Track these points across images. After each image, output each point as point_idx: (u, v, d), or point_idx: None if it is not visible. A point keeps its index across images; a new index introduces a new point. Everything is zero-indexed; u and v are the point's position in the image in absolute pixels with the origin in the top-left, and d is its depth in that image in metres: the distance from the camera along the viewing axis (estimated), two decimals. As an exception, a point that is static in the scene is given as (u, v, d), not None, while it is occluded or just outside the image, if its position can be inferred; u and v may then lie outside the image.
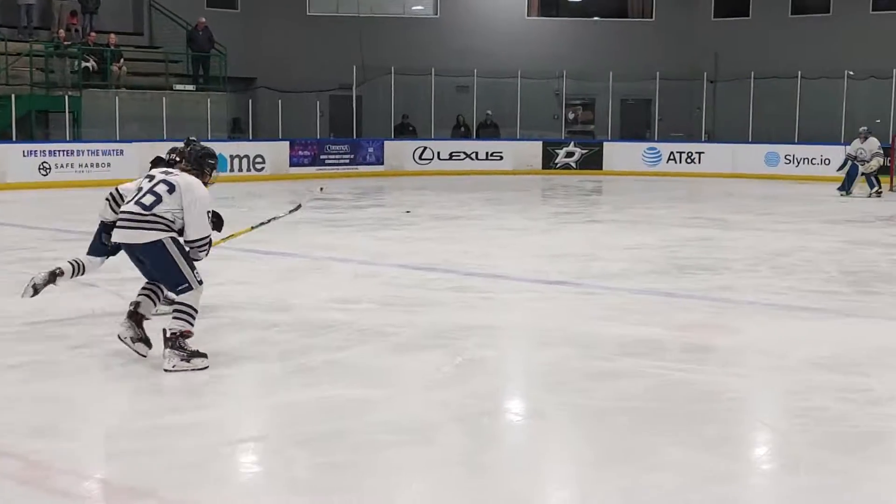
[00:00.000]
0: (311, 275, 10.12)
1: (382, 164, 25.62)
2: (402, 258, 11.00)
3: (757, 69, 26.75)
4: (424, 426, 5.15)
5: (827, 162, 24.28)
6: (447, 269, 10.24)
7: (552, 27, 29.28)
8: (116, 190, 7.56)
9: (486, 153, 26.64)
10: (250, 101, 25.28)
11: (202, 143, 7.10)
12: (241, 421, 5.36)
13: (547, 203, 19.87)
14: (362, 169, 25.14)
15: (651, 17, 29.43)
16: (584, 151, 26.91)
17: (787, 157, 25.49)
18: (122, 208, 6.38)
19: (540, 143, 27.11)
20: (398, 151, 25.97)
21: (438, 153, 26.09)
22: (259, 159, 23.67)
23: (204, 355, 6.11)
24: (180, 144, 7.18)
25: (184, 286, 6.10)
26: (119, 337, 6.23)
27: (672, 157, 26.28)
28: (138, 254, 6.20)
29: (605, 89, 28.06)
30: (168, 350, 6.04)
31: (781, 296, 8.89)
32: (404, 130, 27.13)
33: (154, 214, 6.10)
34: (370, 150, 25.47)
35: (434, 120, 27.44)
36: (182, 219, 6.17)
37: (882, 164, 20.23)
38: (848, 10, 27.20)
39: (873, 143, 20.06)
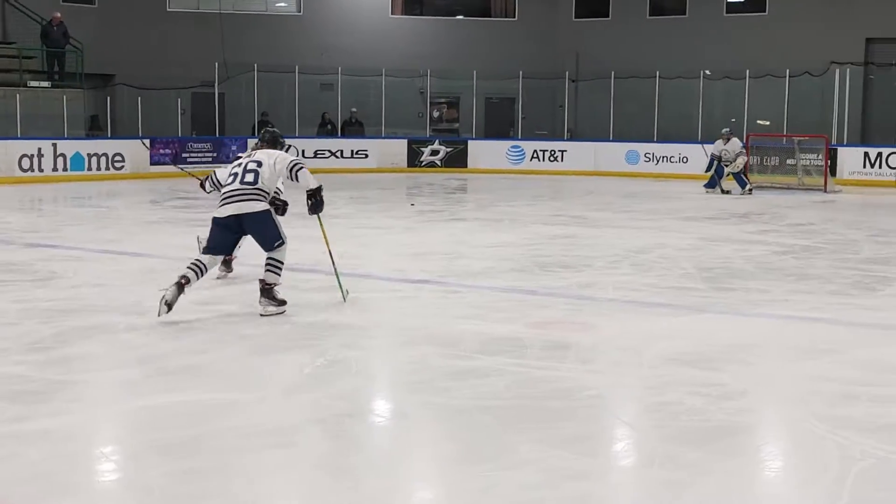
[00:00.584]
0: (171, 276, 9.88)
1: (246, 162, 25.25)
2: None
3: (617, 69, 27.29)
4: (286, 429, 5.09)
5: (685, 160, 24.94)
6: (311, 269, 10.17)
7: (416, 25, 29.36)
8: (214, 174, 8.89)
9: (351, 151, 26.58)
10: (108, 98, 24.70)
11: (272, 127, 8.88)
12: (96, 428, 5.23)
13: (412, 201, 19.88)
14: (225, 167, 24.71)
15: (514, 17, 29.74)
16: (448, 149, 27.06)
17: (647, 155, 26.06)
18: (230, 187, 7.89)
19: (405, 142, 27.16)
20: (262, 150, 25.62)
21: (303, 151, 25.86)
22: (118, 158, 23.15)
23: (285, 302, 7.85)
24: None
25: (279, 242, 7.95)
26: (165, 301, 7.31)
27: (535, 155, 26.63)
28: (246, 221, 7.83)
29: (469, 88, 28.26)
30: (263, 299, 7.77)
31: (640, 292, 9.07)
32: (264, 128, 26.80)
33: (257, 188, 7.80)
34: (233, 148, 25.09)
35: (298, 118, 27.23)
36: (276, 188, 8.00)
37: (746, 162, 20.81)
38: (703, 12, 27.94)
39: (736, 144, 20.65)
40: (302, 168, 8.00)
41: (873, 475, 4.53)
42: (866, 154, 23.67)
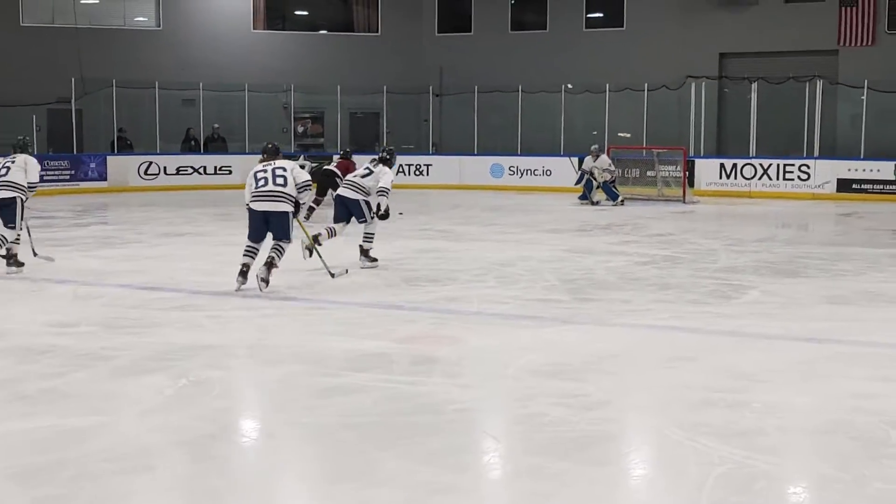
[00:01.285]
0: (27, 297, 9.65)
1: (106, 179, 24.73)
2: (126, 277, 10.67)
3: (480, 83, 27.54)
4: (145, 452, 4.99)
5: (549, 173, 25.30)
6: (173, 288, 10.01)
7: (279, 40, 29.14)
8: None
9: (215, 167, 26.21)
10: (-42, 115, 23.89)
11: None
12: (-54, 458, 5.03)
13: (400, 210, 19.70)
14: (84, 185, 24.16)
15: (377, 32, 29.76)
16: (314, 165, 26.86)
17: (511, 168, 26.33)
18: (265, 188, 9.79)
19: (270, 157, 26.87)
20: (122, 167, 25.13)
21: (165, 168, 25.45)
22: (-29, 176, 22.37)
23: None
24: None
25: (288, 239, 9.83)
26: (258, 277, 9.50)
27: (401, 169, 26.60)
28: (272, 218, 9.74)
29: (333, 102, 28.17)
30: (264, 269, 9.58)
31: (505, 305, 9.15)
32: (122, 145, 26.26)
33: (286, 192, 9.75)
34: (92, 165, 24.55)
35: (159, 134, 26.76)
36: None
37: (614, 176, 21.21)
38: (563, 27, 28.37)
39: (604, 161, 21.04)
40: (307, 189, 9.92)
41: (730, 480, 4.64)
42: (722, 165, 24.35)
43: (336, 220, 11.42)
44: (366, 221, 11.28)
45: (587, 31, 28.41)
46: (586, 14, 28.47)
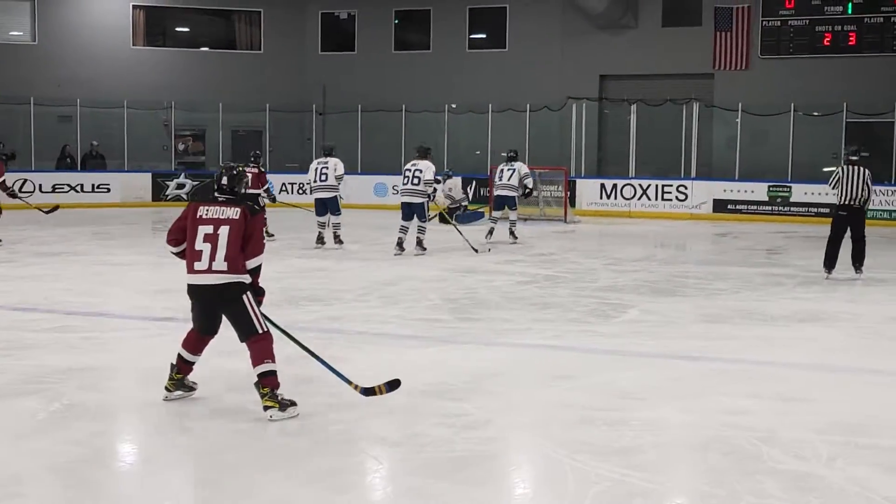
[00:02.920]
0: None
1: (-24, 197, 24.02)
2: (-2, 298, 10.38)
3: (364, 102, 27.54)
4: (15, 479, 4.86)
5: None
6: (47, 309, 9.77)
7: (159, 56, 28.71)
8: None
9: (93, 185, 25.66)
10: None
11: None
12: None
13: (157, 236, 19.39)
14: (-46, 203, 23.42)
15: (260, 50, 29.52)
16: (195, 183, 26.55)
17: (395, 187, 26.29)
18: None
19: (149, 175, 26.47)
20: (-5, 184, 24.43)
21: (40, 185, 24.80)
22: None
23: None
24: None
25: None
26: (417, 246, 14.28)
27: (284, 188, 26.45)
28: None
29: (214, 120, 27.84)
30: (417, 247, 14.88)
31: (388, 325, 9.15)
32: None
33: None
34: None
35: (34, 151, 26.11)
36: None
37: (454, 204, 21.53)
38: (446, 47, 28.52)
39: (453, 183, 21.43)
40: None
41: (608, 497, 4.71)
42: (602, 185, 24.74)
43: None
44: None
45: (470, 51, 28.62)
46: (469, 35, 28.68)
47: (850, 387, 7.18)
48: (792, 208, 22.87)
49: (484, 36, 28.78)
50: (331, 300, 10.50)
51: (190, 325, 6.33)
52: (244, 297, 6.18)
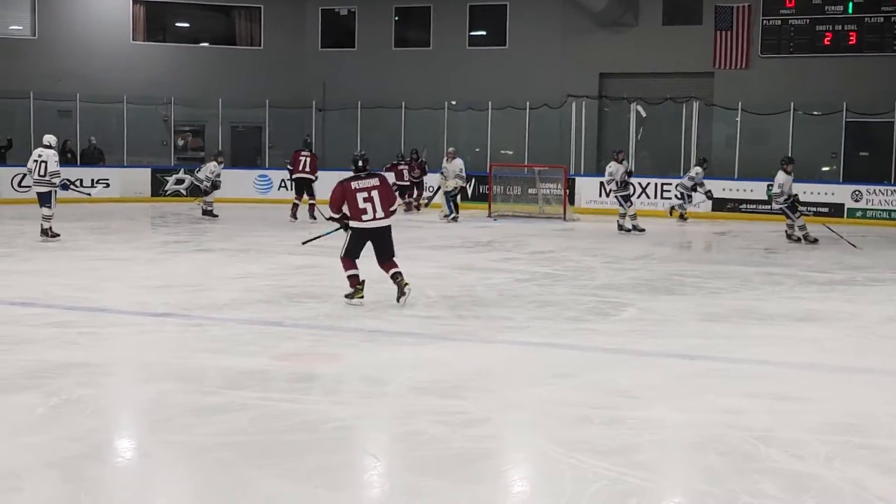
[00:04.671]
0: None
1: (-24, 192, 24.04)
2: (-4, 293, 10.37)
3: (364, 98, 27.53)
4: (13, 474, 4.85)
5: (430, 189, 25.35)
6: (46, 304, 9.77)
7: (160, 52, 28.70)
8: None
9: (92, 180, 25.59)
10: None
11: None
12: None
13: (156, 231, 19.42)
14: (-48, 197, 23.45)
15: (260, 46, 29.51)
16: (193, 179, 26.54)
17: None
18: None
19: (149, 170, 26.46)
20: (-6, 178, 24.45)
21: (40, 180, 24.76)
22: None
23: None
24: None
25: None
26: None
27: (283, 184, 26.40)
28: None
29: (214, 116, 27.83)
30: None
31: (385, 322, 9.15)
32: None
33: None
34: (-36, 178, 23.82)
35: (34, 146, 26.02)
36: None
37: (459, 186, 21.40)
38: (446, 44, 28.51)
39: (457, 165, 21.24)
40: None
41: (605, 496, 4.71)
42: (602, 184, 24.66)
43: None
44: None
45: (470, 48, 28.61)
46: (469, 32, 28.67)
47: (848, 386, 7.19)
48: (791, 208, 22.86)
49: (484, 33, 28.78)
50: (326, 297, 10.47)
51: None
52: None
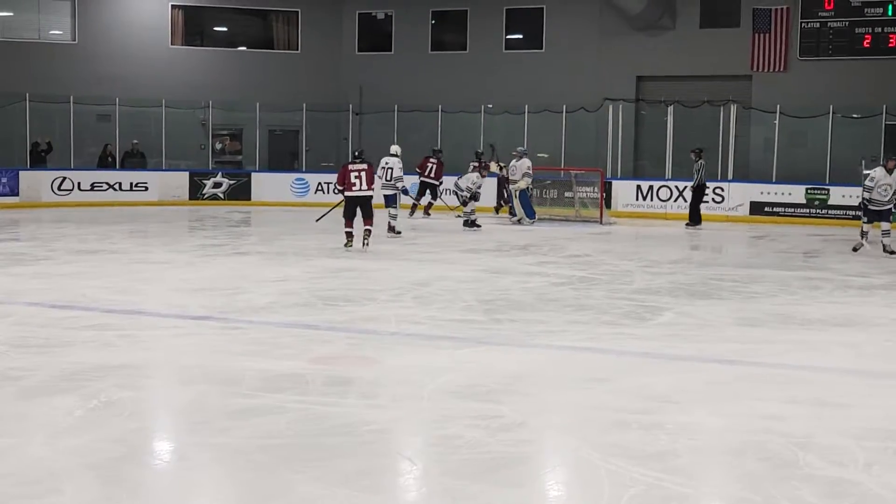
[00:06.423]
0: None
1: (17, 195, 24.26)
2: (37, 295, 10.47)
3: (400, 102, 27.58)
4: (54, 476, 4.89)
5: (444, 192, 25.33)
6: (85, 307, 9.85)
7: (197, 56, 28.90)
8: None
9: (131, 184, 25.85)
10: None
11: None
12: None
13: (193, 235, 19.53)
14: (-5, 201, 23.70)
15: (297, 49, 29.64)
16: (231, 182, 26.70)
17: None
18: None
19: (187, 174, 26.64)
20: (34, 182, 24.67)
21: (79, 184, 25.04)
22: None
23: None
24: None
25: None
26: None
27: (320, 187, 26.53)
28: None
29: (252, 119, 27.98)
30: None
31: (422, 325, 9.16)
32: (37, 156, 25.72)
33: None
34: (3, 180, 24.07)
35: (74, 149, 26.36)
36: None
37: (529, 185, 21.37)
38: (483, 47, 28.53)
39: (524, 164, 21.22)
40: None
41: (643, 501, 4.69)
42: (638, 187, 24.65)
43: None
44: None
45: (507, 52, 28.60)
46: (506, 35, 28.67)
47: (887, 392, 7.13)
48: (830, 211, 22.70)
49: (520, 36, 28.75)
50: (363, 300, 10.50)
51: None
52: None
